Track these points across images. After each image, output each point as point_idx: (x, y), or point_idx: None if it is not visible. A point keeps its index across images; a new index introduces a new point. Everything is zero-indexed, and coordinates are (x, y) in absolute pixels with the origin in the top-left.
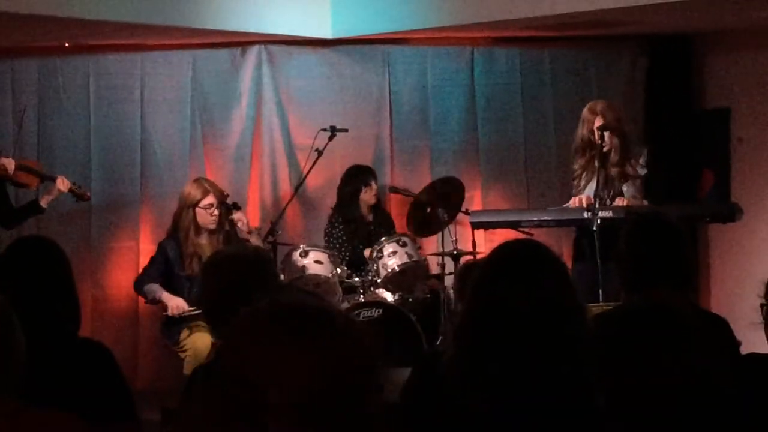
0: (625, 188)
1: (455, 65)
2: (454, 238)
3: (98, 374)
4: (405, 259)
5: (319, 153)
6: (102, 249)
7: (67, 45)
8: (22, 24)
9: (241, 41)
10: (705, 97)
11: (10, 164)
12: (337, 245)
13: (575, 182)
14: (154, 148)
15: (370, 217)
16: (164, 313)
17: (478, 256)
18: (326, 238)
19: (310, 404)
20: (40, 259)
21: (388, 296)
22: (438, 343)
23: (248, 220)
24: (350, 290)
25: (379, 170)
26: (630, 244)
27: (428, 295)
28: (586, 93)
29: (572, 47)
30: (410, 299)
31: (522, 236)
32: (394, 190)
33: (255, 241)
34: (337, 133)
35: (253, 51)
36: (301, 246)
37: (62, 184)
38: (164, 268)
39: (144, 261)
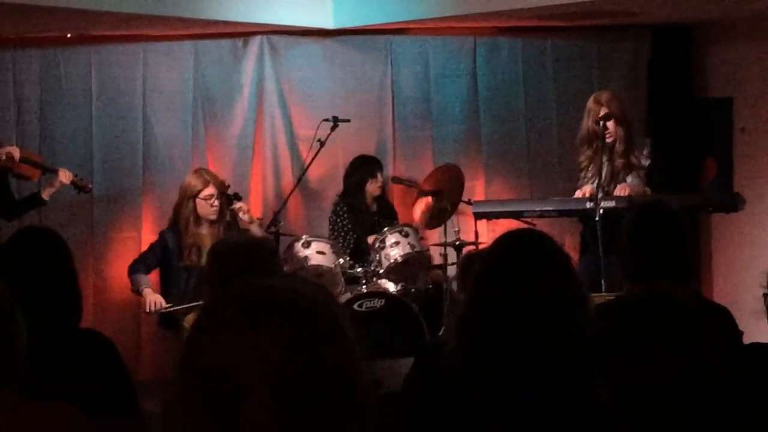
0: (629, 179)
1: (457, 55)
2: (456, 228)
3: (100, 365)
4: (407, 249)
5: (321, 143)
6: (104, 239)
7: (68, 36)
8: (23, 15)
9: (243, 32)
10: (707, 87)
11: (15, 152)
12: (342, 234)
13: (582, 174)
14: (156, 139)
15: (374, 208)
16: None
17: (481, 247)
18: (330, 227)
19: (282, 387)
20: (42, 249)
21: (391, 287)
22: (440, 333)
23: (249, 209)
24: (353, 281)
25: (381, 160)
26: (632, 234)
27: (430, 286)
28: (588, 83)
29: (574, 37)
30: (413, 290)
31: (524, 226)
32: (397, 180)
33: (256, 231)
34: (340, 124)
35: (255, 41)
36: (304, 237)
37: (64, 176)
38: (162, 257)
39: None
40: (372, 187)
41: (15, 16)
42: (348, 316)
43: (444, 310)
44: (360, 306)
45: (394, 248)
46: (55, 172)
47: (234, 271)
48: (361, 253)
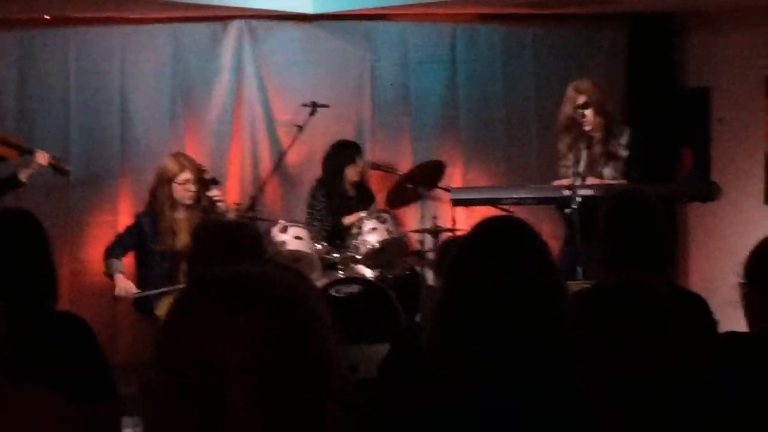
0: (606, 169)
1: (437, 42)
2: (434, 215)
3: (76, 348)
4: (385, 235)
5: (300, 128)
6: (80, 223)
7: (47, 18)
8: None
9: (223, 15)
10: (686, 77)
11: None
12: (319, 218)
13: (561, 161)
14: (134, 122)
15: (353, 193)
16: (115, 294)
17: (458, 233)
18: (308, 211)
19: (264, 374)
20: (18, 232)
21: (368, 272)
22: (417, 319)
23: (225, 197)
24: (330, 266)
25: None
26: (608, 223)
27: (408, 272)
28: (568, 71)
29: (554, 25)
30: (390, 276)
31: (502, 213)
32: (376, 166)
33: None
34: (318, 109)
35: (234, 26)
36: (281, 221)
37: (42, 157)
38: (137, 241)
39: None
40: (351, 173)
41: None
42: (324, 302)
43: (421, 296)
44: (337, 291)
45: (371, 234)
46: (33, 154)
47: (217, 255)
48: (338, 238)
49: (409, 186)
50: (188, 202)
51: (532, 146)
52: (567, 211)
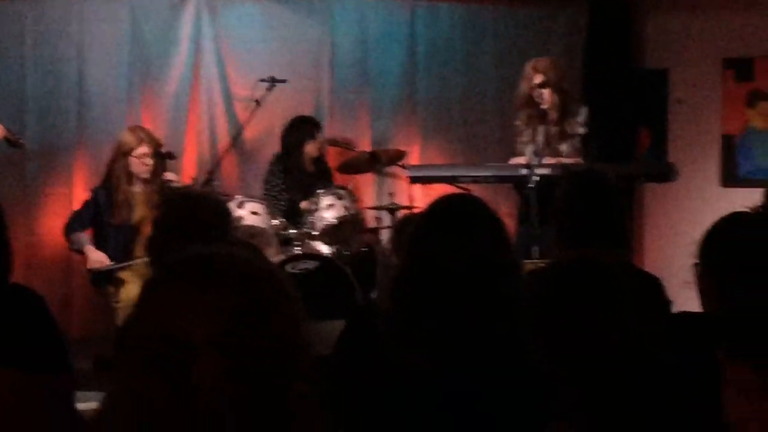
0: (563, 147)
1: (397, 19)
2: (391, 192)
3: (30, 323)
4: (342, 212)
5: (258, 104)
6: (36, 195)
7: None
8: None
9: None
10: (644, 57)
11: None
12: (275, 193)
13: (518, 139)
14: (91, 95)
15: (312, 169)
16: (87, 268)
17: (415, 211)
18: (265, 186)
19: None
20: None
21: (325, 249)
22: (373, 296)
23: (181, 180)
24: (286, 242)
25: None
26: (566, 201)
27: (364, 249)
28: (527, 50)
29: (513, 5)
30: (346, 252)
31: (459, 191)
32: (334, 142)
33: None
34: (277, 84)
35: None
36: (238, 197)
37: None
38: (94, 215)
39: (78, 208)
40: (310, 148)
41: None
42: (291, 280)
43: (377, 273)
44: (293, 268)
45: (328, 210)
46: None
47: (186, 225)
48: (295, 214)
49: (366, 160)
50: (145, 175)
51: (490, 125)
52: (529, 187)
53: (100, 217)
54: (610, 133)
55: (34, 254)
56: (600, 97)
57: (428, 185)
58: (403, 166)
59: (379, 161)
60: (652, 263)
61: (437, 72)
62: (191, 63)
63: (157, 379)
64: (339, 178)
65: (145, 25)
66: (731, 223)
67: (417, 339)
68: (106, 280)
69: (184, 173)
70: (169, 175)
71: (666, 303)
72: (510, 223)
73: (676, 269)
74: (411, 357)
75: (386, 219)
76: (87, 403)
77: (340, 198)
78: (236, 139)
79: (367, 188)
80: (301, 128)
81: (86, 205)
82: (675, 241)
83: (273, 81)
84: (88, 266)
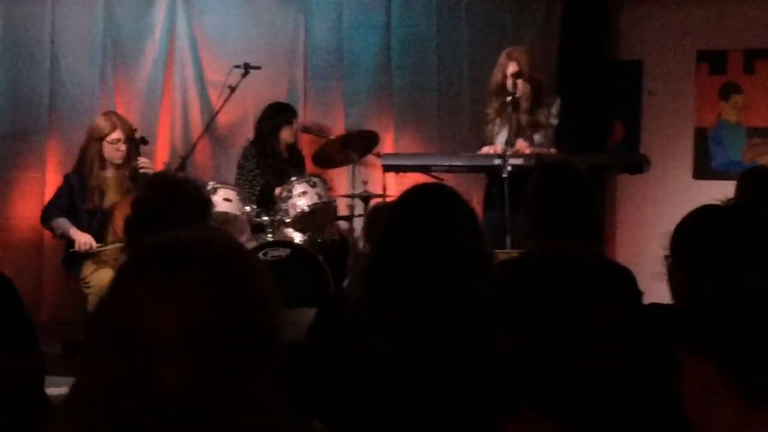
0: (536, 137)
1: (372, 7)
2: (364, 180)
3: None
4: (315, 199)
5: (232, 90)
6: (6, 179)
7: None
8: None
9: None
10: (618, 49)
11: None
12: (249, 179)
13: (488, 127)
14: (64, 79)
15: (286, 156)
16: (70, 249)
17: (388, 199)
18: (239, 171)
19: (197, 344)
20: None
21: (297, 236)
22: (345, 284)
23: (154, 166)
24: (259, 229)
25: None
26: (539, 191)
27: (337, 237)
28: (501, 40)
29: None
30: (319, 240)
31: (432, 180)
32: (307, 129)
33: None
34: (251, 71)
35: None
36: (210, 183)
37: None
38: (69, 201)
39: (49, 192)
40: (286, 134)
41: None
42: (263, 268)
43: (349, 261)
44: (265, 255)
45: (301, 198)
46: None
47: (166, 209)
48: (268, 201)
49: (339, 149)
50: (118, 161)
51: (464, 114)
52: (502, 176)
53: (72, 202)
54: (583, 124)
55: (5, 237)
56: (574, 88)
57: (401, 174)
58: (377, 155)
59: (352, 146)
60: (623, 255)
61: (412, 60)
62: (165, 48)
63: (121, 374)
64: (313, 169)
65: (118, 9)
66: (703, 216)
67: (387, 327)
68: (78, 264)
69: (157, 159)
70: (142, 161)
71: (637, 294)
72: (482, 213)
73: (648, 261)
74: (380, 345)
75: (359, 207)
76: (56, 388)
77: (313, 186)
78: (209, 125)
79: (341, 176)
80: (278, 114)
81: (60, 191)
82: (647, 232)
83: (247, 67)
84: (76, 248)
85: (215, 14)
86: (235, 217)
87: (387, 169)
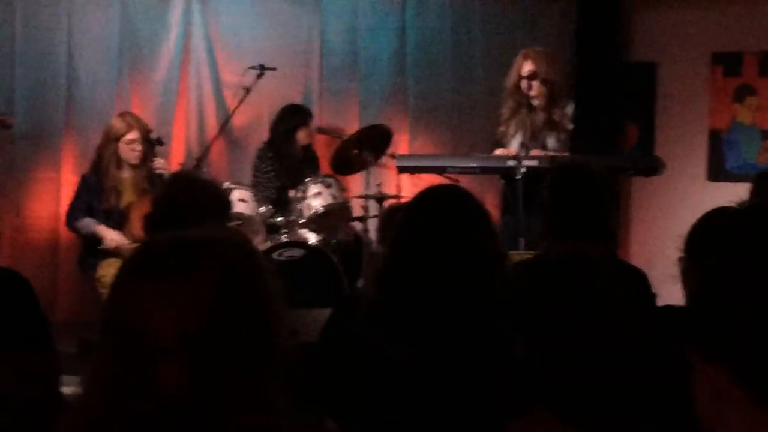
0: (549, 141)
1: (387, 8)
2: (378, 182)
3: (15, 303)
4: (329, 200)
5: (247, 91)
6: (23, 179)
7: None
8: None
9: None
10: (632, 51)
11: None
12: (264, 180)
13: (502, 128)
14: (80, 79)
15: (301, 156)
16: (99, 247)
17: (403, 200)
18: (254, 173)
19: (198, 346)
20: None
21: (311, 237)
22: (359, 285)
23: (169, 168)
24: (273, 230)
25: None
26: (554, 193)
27: (351, 238)
28: (516, 41)
29: None
30: (333, 241)
31: (447, 182)
32: (322, 131)
33: None
34: (266, 72)
35: None
36: (225, 184)
37: None
38: (88, 200)
39: (65, 192)
40: (302, 136)
41: None
42: (271, 268)
43: (363, 262)
44: (279, 255)
45: (316, 198)
46: None
47: (185, 208)
48: (283, 202)
49: (355, 152)
50: (134, 161)
51: (479, 115)
52: (516, 178)
53: (90, 202)
54: (598, 127)
55: (21, 237)
56: (588, 91)
57: (416, 175)
58: (391, 156)
59: (367, 145)
60: (637, 257)
61: (427, 62)
62: (181, 49)
63: (124, 372)
64: (328, 171)
65: (135, 10)
66: (717, 218)
67: (401, 328)
68: (94, 258)
69: (173, 159)
70: (158, 162)
71: (651, 296)
72: (496, 214)
73: (662, 263)
74: (394, 346)
75: (373, 208)
76: (72, 387)
77: (327, 186)
78: (225, 126)
79: (355, 177)
80: (293, 116)
81: (79, 191)
82: (661, 234)
83: (262, 68)
84: (105, 245)
85: (231, 16)
86: (250, 217)
87: (402, 170)
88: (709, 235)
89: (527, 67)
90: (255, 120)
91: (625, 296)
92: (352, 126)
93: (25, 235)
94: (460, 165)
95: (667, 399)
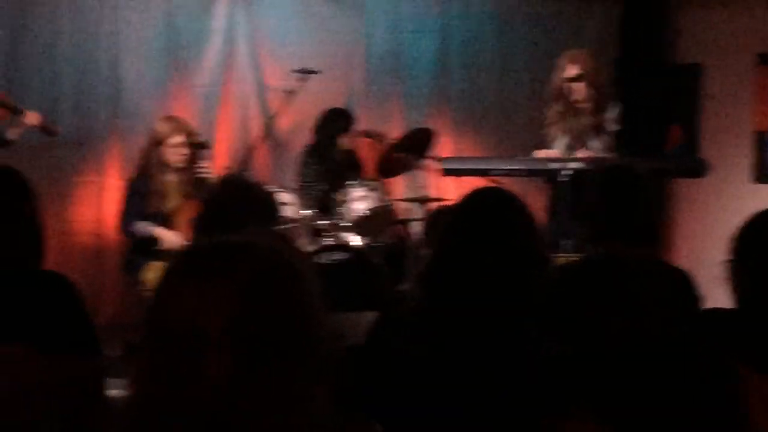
0: (594, 142)
1: (430, 11)
2: (422, 184)
3: (62, 307)
4: (373, 203)
5: (291, 94)
6: (68, 183)
7: None
8: None
9: None
10: (677, 53)
11: None
12: (309, 184)
13: (545, 130)
14: (124, 83)
15: (343, 160)
16: (156, 247)
17: (447, 203)
18: (298, 177)
19: (243, 340)
20: (6, 189)
21: (356, 240)
22: (403, 288)
23: (214, 170)
24: (318, 233)
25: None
26: (597, 195)
27: (395, 241)
28: (560, 41)
29: None
30: (377, 244)
31: (491, 184)
32: (366, 134)
33: None
34: (309, 75)
35: None
36: (270, 187)
37: (33, 117)
38: (139, 204)
39: (109, 196)
40: (344, 140)
41: None
42: (312, 269)
43: (407, 264)
44: (324, 259)
45: (359, 202)
46: (24, 113)
47: (237, 210)
48: (327, 205)
49: (400, 155)
50: (179, 165)
51: (522, 117)
52: (560, 180)
53: (138, 205)
54: (642, 128)
55: (66, 241)
56: (632, 92)
57: (460, 178)
58: (435, 158)
59: (411, 148)
60: (682, 259)
61: (470, 64)
62: (224, 53)
63: (170, 369)
64: (374, 176)
65: (179, 14)
66: (764, 220)
67: (445, 330)
68: (139, 261)
69: (217, 163)
70: (202, 165)
71: (697, 299)
72: (541, 217)
73: (708, 265)
74: (440, 349)
75: (417, 211)
76: (116, 390)
77: (371, 189)
78: (268, 129)
79: (399, 180)
80: (336, 120)
81: (128, 196)
82: (706, 237)
83: (305, 72)
84: (166, 246)
85: (274, 19)
86: (294, 221)
87: (446, 172)
88: (756, 237)
89: (572, 70)
90: (299, 123)
91: (668, 299)
92: (396, 128)
93: (70, 239)
94: (505, 167)
95: (708, 403)
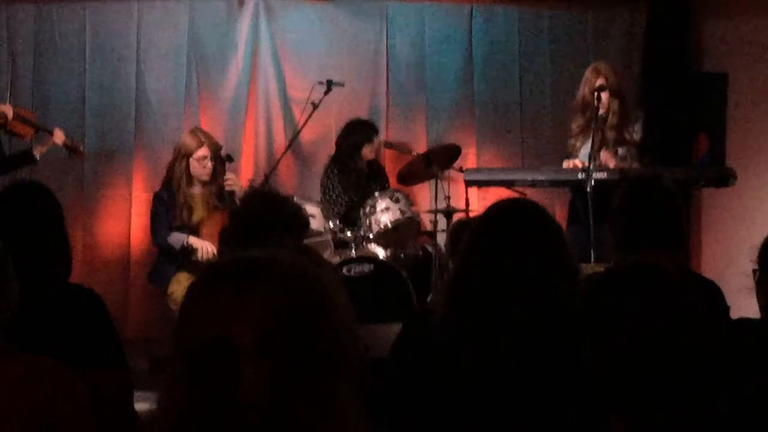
0: (619, 150)
1: (453, 22)
2: (447, 195)
3: (89, 320)
4: (398, 215)
5: (315, 106)
6: (94, 196)
7: None
8: None
9: None
10: (702, 61)
11: (8, 111)
12: (333, 196)
13: (571, 141)
14: (149, 97)
15: (367, 172)
16: (193, 258)
17: (471, 214)
18: (322, 189)
19: (276, 351)
20: (32, 203)
21: (380, 252)
22: (429, 300)
23: (239, 182)
24: (342, 245)
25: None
26: (625, 204)
27: (420, 252)
28: (583, 53)
29: (571, 7)
30: (402, 255)
31: (516, 195)
32: (389, 145)
33: None
34: (333, 87)
35: (251, 2)
36: (294, 199)
37: (57, 136)
38: (167, 216)
39: (136, 210)
40: (367, 151)
41: None
42: (339, 282)
43: (433, 276)
44: (349, 270)
45: (384, 213)
46: (49, 132)
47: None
48: (351, 217)
49: (423, 167)
50: (204, 178)
51: (547, 128)
52: (586, 191)
53: (167, 218)
54: (668, 138)
55: (93, 255)
56: (658, 101)
57: (484, 188)
58: (459, 170)
59: (435, 162)
60: (710, 269)
61: (494, 74)
62: (249, 65)
63: (202, 381)
64: (396, 186)
65: (203, 27)
66: None
67: (472, 343)
68: (166, 272)
69: (242, 175)
70: (228, 178)
71: (724, 309)
72: (564, 227)
73: (735, 275)
74: (467, 361)
75: (442, 222)
76: (143, 404)
77: (396, 201)
78: (293, 141)
79: (423, 191)
80: (360, 131)
81: (157, 209)
82: (733, 246)
83: (330, 83)
84: (200, 256)
85: (298, 31)
86: (319, 233)
87: (470, 183)
88: None
89: (598, 82)
90: (323, 135)
91: (697, 308)
92: (419, 139)
93: (97, 252)
94: (529, 178)
95: (740, 410)
